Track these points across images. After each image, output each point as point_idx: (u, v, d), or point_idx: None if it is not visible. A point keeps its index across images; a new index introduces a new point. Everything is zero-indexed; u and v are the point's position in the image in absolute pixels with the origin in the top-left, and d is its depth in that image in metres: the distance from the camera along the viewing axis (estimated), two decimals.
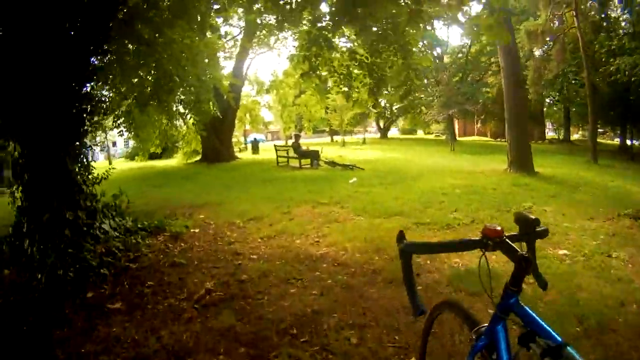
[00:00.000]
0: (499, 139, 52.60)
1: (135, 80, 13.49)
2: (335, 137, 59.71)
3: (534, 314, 2.06)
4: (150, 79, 13.65)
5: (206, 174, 22.52)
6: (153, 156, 30.72)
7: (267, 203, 13.03)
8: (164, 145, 27.48)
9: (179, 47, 12.42)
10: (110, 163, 31.61)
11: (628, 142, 43.75)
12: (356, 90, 14.39)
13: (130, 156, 30.91)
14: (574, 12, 29.12)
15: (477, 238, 2.22)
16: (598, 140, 29.25)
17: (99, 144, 20.65)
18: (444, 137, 64.83)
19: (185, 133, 29.63)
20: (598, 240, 8.33)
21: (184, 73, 13.67)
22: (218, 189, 16.76)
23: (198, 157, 30.82)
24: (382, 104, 67.56)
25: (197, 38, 13.18)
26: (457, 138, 54.06)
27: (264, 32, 30.74)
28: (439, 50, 60.36)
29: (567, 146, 45.03)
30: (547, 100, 56.44)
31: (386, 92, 33.18)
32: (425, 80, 60.20)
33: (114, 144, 46.25)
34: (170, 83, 13.40)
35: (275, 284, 6.46)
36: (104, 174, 10.10)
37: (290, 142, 29.25)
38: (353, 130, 60.00)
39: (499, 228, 2.16)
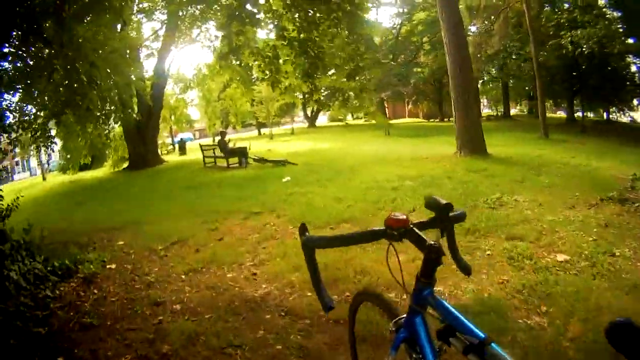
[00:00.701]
0: (432, 120, 54.36)
1: (43, 86, 11.84)
2: (263, 130, 58.85)
3: (451, 307, 1.98)
4: (62, 84, 11.91)
5: (130, 184, 21.23)
6: (84, 167, 28.48)
7: (192, 217, 11.37)
8: (93, 154, 25.61)
9: (90, 45, 11.15)
10: (44, 179, 33.37)
11: (578, 114, 44.80)
12: (284, 75, 13.15)
13: (63, 169, 29.35)
14: None
15: (381, 228, 2.09)
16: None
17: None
18: (375, 122, 65.03)
19: (111, 140, 28.51)
20: (592, 235, 7.49)
21: (99, 74, 12.06)
22: (140, 200, 15.32)
23: (126, 164, 29.42)
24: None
25: (112, 34, 12.30)
26: (389, 121, 53.11)
27: (186, 23, 29.56)
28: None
29: (508, 122, 45.22)
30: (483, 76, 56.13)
31: (327, 73, 30.31)
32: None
33: (49, 156, 44.05)
34: (82, 88, 11.68)
35: (207, 357, 4.65)
36: (13, 202, 8.50)
37: (217, 139, 28.02)
38: (280, 121, 58.77)
39: (403, 217, 2.05)
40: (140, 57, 27.85)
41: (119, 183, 22.42)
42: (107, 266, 8.13)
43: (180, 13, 26.15)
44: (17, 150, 13.99)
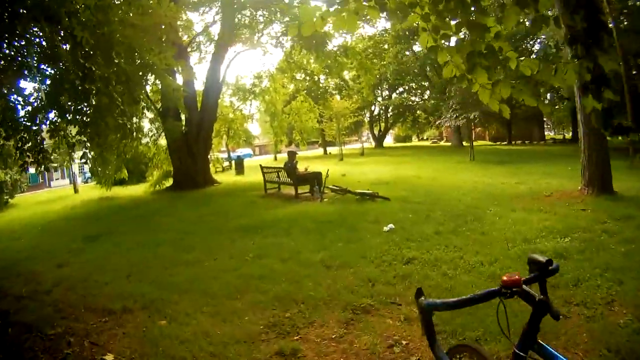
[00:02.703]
0: (498, 143, 53.31)
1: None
2: (329, 149, 55.37)
3: (553, 351, 2.23)
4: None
5: (167, 212, 17.25)
6: (123, 181, 26.28)
7: (247, 309, 6.53)
8: (130, 168, 24.69)
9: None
10: (75, 191, 31.05)
11: None
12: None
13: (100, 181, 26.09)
14: None
15: (496, 288, 2.31)
16: None
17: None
18: (442, 143, 63.00)
19: (153, 153, 25.84)
20: None
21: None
22: (169, 252, 10.69)
23: (170, 182, 25.74)
24: (376, 110, 64.33)
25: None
26: (462, 144, 51.35)
27: (245, 22, 25.51)
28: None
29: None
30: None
31: None
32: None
33: (82, 166, 40.95)
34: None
35: None
36: None
37: (282, 157, 23.33)
38: (346, 140, 54.44)
39: (517, 277, 2.23)
40: (189, 59, 25.17)
41: (153, 209, 18.53)
42: None
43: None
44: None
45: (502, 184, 17.89)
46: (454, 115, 35.76)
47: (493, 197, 14.71)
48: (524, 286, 2.21)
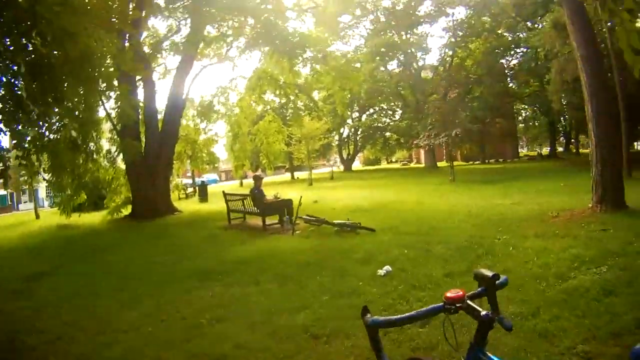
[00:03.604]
0: (471, 162, 53.72)
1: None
2: (297, 174, 53.96)
3: None
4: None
5: (118, 249, 14.98)
6: (82, 206, 23.77)
7: None
8: (91, 193, 22.63)
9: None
10: (37, 217, 30.26)
11: None
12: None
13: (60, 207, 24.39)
14: None
15: (440, 304, 2.30)
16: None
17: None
18: (412, 165, 70.08)
19: (112, 177, 23.98)
20: None
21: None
22: (109, 307, 8.50)
23: (129, 210, 23.77)
24: (345, 132, 63.51)
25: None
26: (436, 165, 52.13)
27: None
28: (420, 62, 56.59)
29: (561, 162, 43.71)
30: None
31: None
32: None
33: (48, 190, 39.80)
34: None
35: None
36: None
37: (249, 182, 21.35)
38: (314, 164, 52.80)
39: (460, 293, 2.24)
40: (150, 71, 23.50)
41: (104, 243, 16.42)
42: None
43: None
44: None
45: (498, 206, 16.14)
46: (432, 134, 34.05)
47: (494, 222, 12.87)
48: (468, 301, 2.21)
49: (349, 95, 43.46)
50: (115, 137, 22.93)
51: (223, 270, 10.03)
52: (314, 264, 9.64)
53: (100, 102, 20.82)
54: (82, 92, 17.05)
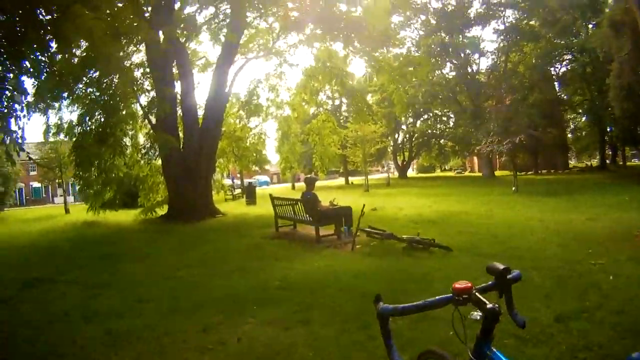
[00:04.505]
0: (524, 172, 50.53)
1: None
2: (351, 179, 52.64)
3: (504, 358, 2.24)
4: None
5: (140, 256, 12.81)
6: (113, 204, 22.44)
7: None
8: (119, 190, 21.86)
9: None
10: (66, 211, 30.16)
11: None
12: None
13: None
14: None
15: (449, 295, 2.30)
16: None
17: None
18: (467, 173, 71.33)
19: (146, 174, 22.86)
20: None
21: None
22: (93, 348, 6.18)
23: (165, 210, 22.84)
24: (400, 138, 62.27)
25: None
26: (494, 174, 51.24)
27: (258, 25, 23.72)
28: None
29: (612, 174, 41.93)
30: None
31: None
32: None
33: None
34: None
35: None
36: None
37: (299, 186, 19.72)
38: (369, 170, 50.97)
39: (468, 284, 2.23)
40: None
41: (126, 248, 14.75)
42: None
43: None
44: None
45: (573, 222, 14.49)
46: (495, 140, 31.58)
47: (579, 241, 11.23)
48: (476, 293, 2.21)
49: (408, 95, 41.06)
50: (151, 132, 21.80)
51: (261, 297, 7.64)
52: (383, 297, 7.11)
53: (134, 93, 20.39)
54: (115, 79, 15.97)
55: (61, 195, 53.57)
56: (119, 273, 10.56)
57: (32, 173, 60.07)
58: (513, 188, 28.38)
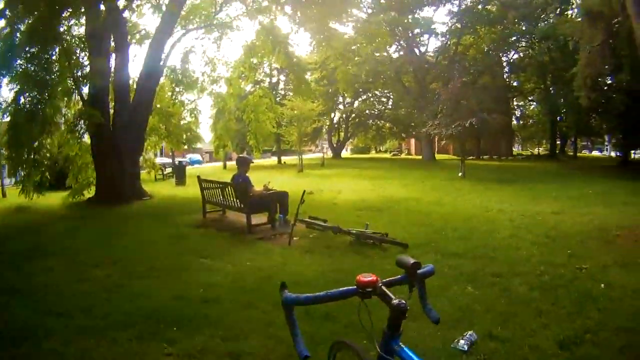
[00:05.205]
0: (466, 157, 48.59)
1: None
2: (284, 158, 53.01)
3: (414, 356, 2.18)
4: None
5: (53, 250, 10.69)
6: (42, 187, 20.32)
7: None
8: (48, 171, 20.19)
9: None
10: (4, 195, 27.24)
11: None
12: None
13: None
14: None
15: (353, 287, 2.26)
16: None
17: None
18: (403, 156, 72.33)
19: (74, 154, 21.14)
20: None
21: None
22: None
23: (93, 191, 21.07)
24: (335, 118, 62.11)
25: None
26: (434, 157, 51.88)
27: None
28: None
29: (562, 164, 42.41)
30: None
31: None
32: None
33: None
34: None
35: None
36: None
37: (231, 166, 18.73)
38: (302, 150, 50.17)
39: (372, 278, 2.21)
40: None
41: (43, 240, 12.22)
42: None
43: None
44: None
45: (539, 215, 13.67)
46: (444, 122, 31.05)
47: (552, 239, 10.49)
48: (382, 287, 2.17)
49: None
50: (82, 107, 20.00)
51: (181, 314, 5.90)
52: (331, 314, 5.65)
53: (69, 67, 19.38)
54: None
55: (4, 178, 51.26)
56: (33, 274, 8.63)
57: None
58: (460, 173, 28.04)
